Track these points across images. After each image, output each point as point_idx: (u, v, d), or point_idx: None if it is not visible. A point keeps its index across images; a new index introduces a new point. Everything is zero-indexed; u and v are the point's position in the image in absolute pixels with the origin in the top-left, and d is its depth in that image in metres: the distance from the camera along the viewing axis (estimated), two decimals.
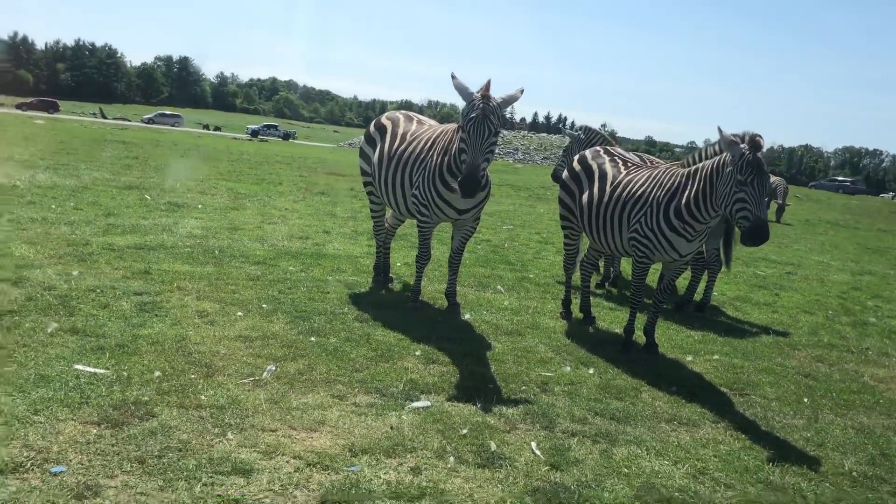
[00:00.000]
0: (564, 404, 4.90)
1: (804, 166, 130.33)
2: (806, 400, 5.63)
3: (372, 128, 7.44)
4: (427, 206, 6.52)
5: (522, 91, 6.09)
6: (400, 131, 7.05)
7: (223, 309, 6.09)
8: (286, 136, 68.17)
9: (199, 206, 11.88)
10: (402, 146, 6.87)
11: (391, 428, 4.19)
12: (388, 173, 6.92)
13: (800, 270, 12.82)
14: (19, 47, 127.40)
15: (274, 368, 4.88)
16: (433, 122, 7.17)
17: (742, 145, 5.26)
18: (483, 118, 5.68)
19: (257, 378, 4.70)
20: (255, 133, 64.33)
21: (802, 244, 17.96)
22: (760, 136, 5.33)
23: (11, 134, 23.94)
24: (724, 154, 5.44)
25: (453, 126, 6.44)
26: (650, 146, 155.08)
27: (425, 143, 6.66)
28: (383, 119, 7.42)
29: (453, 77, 6.03)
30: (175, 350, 4.99)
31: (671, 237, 5.92)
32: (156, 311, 5.82)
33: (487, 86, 5.82)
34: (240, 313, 6.03)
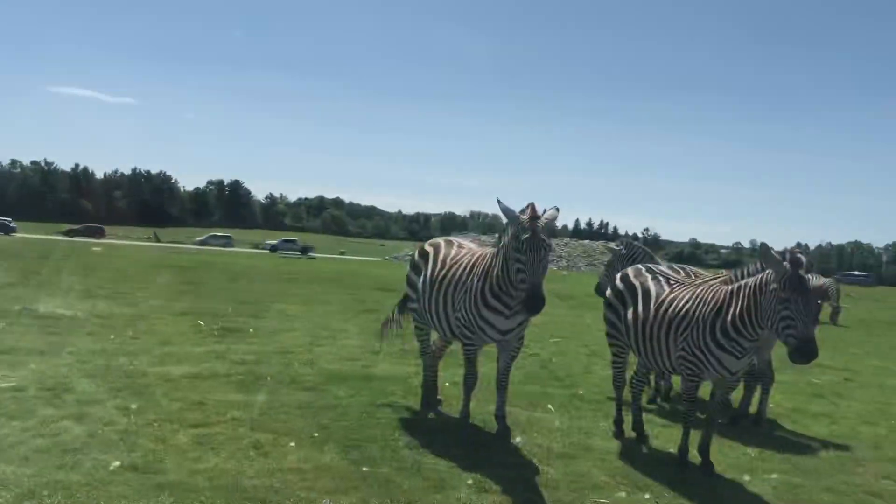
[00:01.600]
0: None
1: (854, 263, 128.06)
2: None
3: (416, 255, 7.72)
4: (470, 328, 6.66)
5: (558, 209, 6.41)
6: (441, 256, 7.31)
7: (275, 440, 6.18)
8: (304, 251, 65.11)
9: (251, 329, 12.18)
10: (444, 271, 7.12)
11: None
12: (433, 297, 7.13)
13: (857, 377, 12.45)
14: (80, 178, 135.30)
15: (328, 503, 4.91)
16: (473, 246, 7.42)
17: (784, 263, 5.33)
18: (536, 238, 5.97)
19: None
20: (273, 248, 65.57)
21: (859, 347, 17.49)
22: (802, 253, 5.40)
23: (72, 264, 25.03)
24: (767, 272, 5.49)
25: (491, 250, 6.73)
26: (695, 248, 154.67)
27: (465, 267, 6.91)
28: (426, 246, 7.70)
29: (499, 202, 6.39)
30: (232, 486, 5.07)
31: (720, 355, 5.90)
32: (211, 443, 5.93)
33: (533, 208, 6.10)
34: (292, 444, 6.10)
